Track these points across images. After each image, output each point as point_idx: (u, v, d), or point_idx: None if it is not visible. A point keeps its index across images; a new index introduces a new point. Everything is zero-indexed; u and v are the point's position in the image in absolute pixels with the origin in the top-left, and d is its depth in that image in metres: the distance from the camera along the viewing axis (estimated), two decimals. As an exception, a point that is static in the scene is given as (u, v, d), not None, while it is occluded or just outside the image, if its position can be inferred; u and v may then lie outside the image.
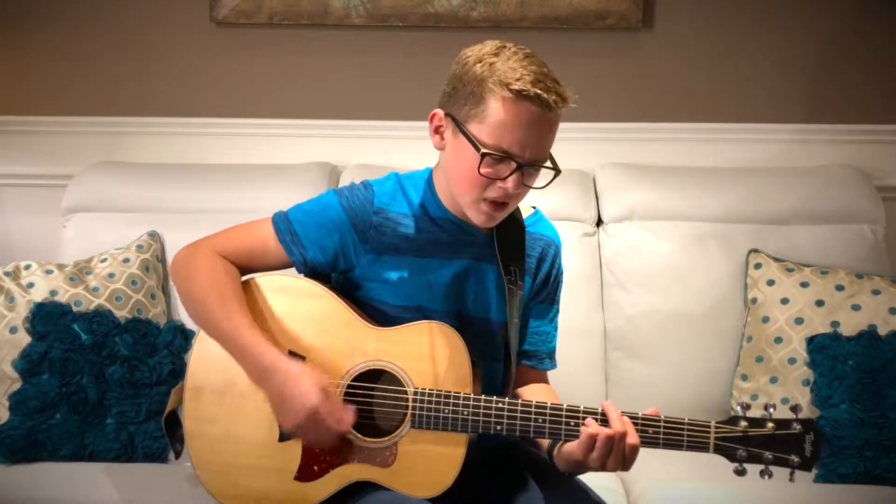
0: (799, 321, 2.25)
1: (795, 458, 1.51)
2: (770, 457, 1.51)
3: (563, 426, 1.54)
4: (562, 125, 1.65)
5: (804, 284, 2.29)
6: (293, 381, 1.57)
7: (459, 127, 1.59)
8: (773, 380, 2.24)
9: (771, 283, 2.31)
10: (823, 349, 2.16)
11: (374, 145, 2.70)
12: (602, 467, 1.51)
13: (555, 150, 1.70)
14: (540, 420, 1.55)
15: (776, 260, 2.36)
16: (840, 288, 2.26)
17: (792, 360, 2.23)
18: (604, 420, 1.53)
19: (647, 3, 2.70)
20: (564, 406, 1.55)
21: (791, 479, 1.53)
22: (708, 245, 2.43)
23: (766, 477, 1.53)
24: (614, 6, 2.68)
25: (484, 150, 1.55)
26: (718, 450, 1.52)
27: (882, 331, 2.17)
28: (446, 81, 1.64)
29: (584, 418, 1.53)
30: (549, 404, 1.56)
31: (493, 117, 1.55)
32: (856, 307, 2.23)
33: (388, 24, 2.72)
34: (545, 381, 1.81)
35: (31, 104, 2.79)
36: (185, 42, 2.77)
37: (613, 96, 2.74)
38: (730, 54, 2.73)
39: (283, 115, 2.77)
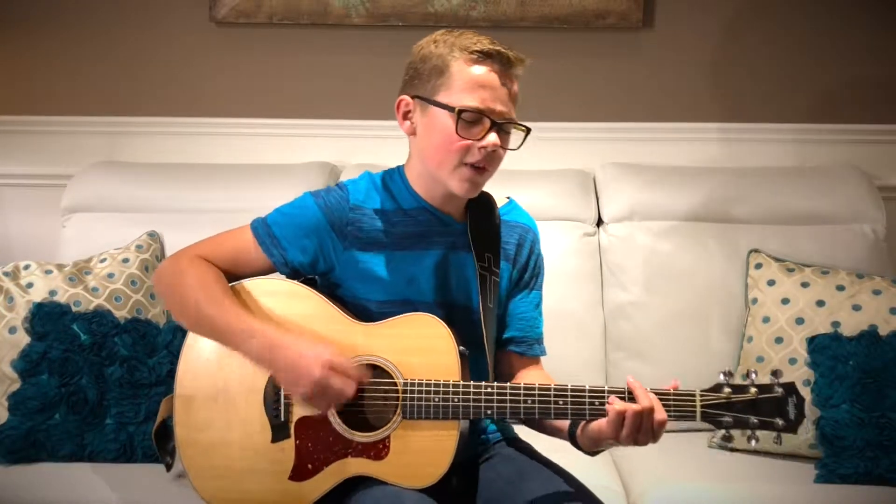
0: (799, 321, 2.25)
1: (780, 421, 1.53)
2: (755, 421, 1.53)
3: (552, 405, 1.56)
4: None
5: (805, 284, 2.28)
6: (303, 346, 1.58)
7: (428, 101, 1.64)
8: (774, 380, 2.24)
9: (771, 283, 2.31)
10: (824, 349, 2.15)
11: (374, 145, 2.70)
12: (634, 443, 1.53)
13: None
14: (529, 402, 1.57)
15: (777, 260, 2.36)
16: (841, 288, 2.26)
17: (792, 361, 2.23)
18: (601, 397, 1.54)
19: (648, 2, 2.70)
20: (570, 385, 1.57)
21: (777, 442, 1.54)
22: (708, 245, 2.43)
23: (754, 442, 1.54)
24: (614, 6, 2.67)
25: (459, 108, 1.60)
26: (705, 417, 1.54)
27: (883, 331, 2.16)
28: (404, 72, 1.70)
29: (583, 396, 1.55)
30: (536, 385, 1.57)
31: (460, 80, 1.61)
32: (856, 307, 2.22)
33: (388, 23, 2.72)
34: (539, 366, 1.81)
35: (31, 104, 2.79)
36: (184, 42, 2.77)
37: (613, 96, 2.74)
38: (730, 54, 2.73)
39: (283, 115, 2.77)
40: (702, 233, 2.45)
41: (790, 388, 1.54)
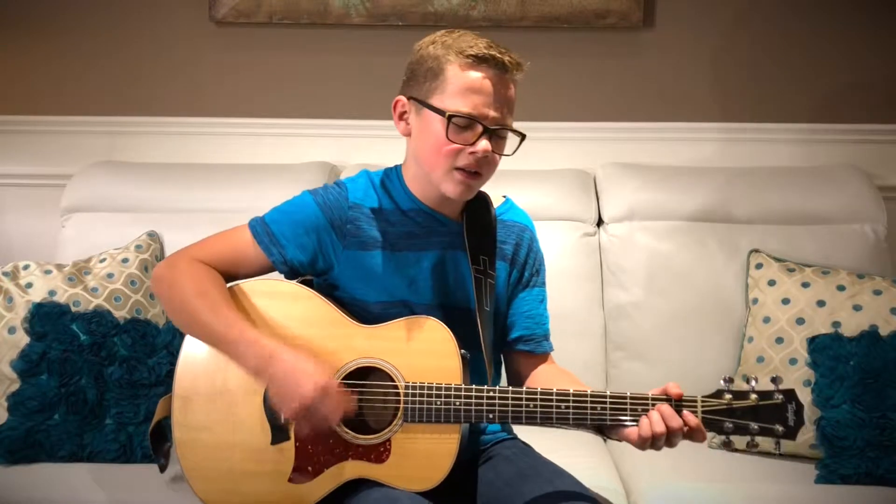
0: (800, 321, 2.25)
1: (780, 428, 1.54)
2: (756, 427, 1.54)
3: (553, 410, 1.56)
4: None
5: (805, 284, 2.28)
6: (300, 363, 1.56)
7: (422, 104, 1.63)
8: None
9: (772, 283, 2.31)
10: (825, 349, 2.15)
11: (374, 145, 2.70)
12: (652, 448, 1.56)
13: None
14: (531, 405, 1.56)
15: (777, 260, 2.36)
16: (841, 288, 2.26)
17: (793, 361, 2.22)
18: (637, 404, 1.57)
19: (648, 2, 2.70)
20: (572, 391, 1.57)
21: (776, 450, 1.56)
22: (708, 245, 2.43)
23: (753, 448, 1.55)
24: (615, 5, 2.67)
25: (450, 113, 1.59)
26: (707, 423, 1.55)
27: (883, 331, 2.16)
28: (403, 72, 1.69)
29: (584, 402, 1.56)
30: (538, 389, 1.57)
31: (454, 84, 1.60)
32: (857, 307, 2.22)
33: (388, 23, 2.71)
34: (551, 362, 1.81)
35: (31, 104, 2.79)
36: (184, 42, 2.77)
37: (613, 96, 2.74)
38: (730, 54, 2.73)
39: (283, 115, 2.77)
40: (702, 233, 2.44)
41: (790, 394, 1.55)
